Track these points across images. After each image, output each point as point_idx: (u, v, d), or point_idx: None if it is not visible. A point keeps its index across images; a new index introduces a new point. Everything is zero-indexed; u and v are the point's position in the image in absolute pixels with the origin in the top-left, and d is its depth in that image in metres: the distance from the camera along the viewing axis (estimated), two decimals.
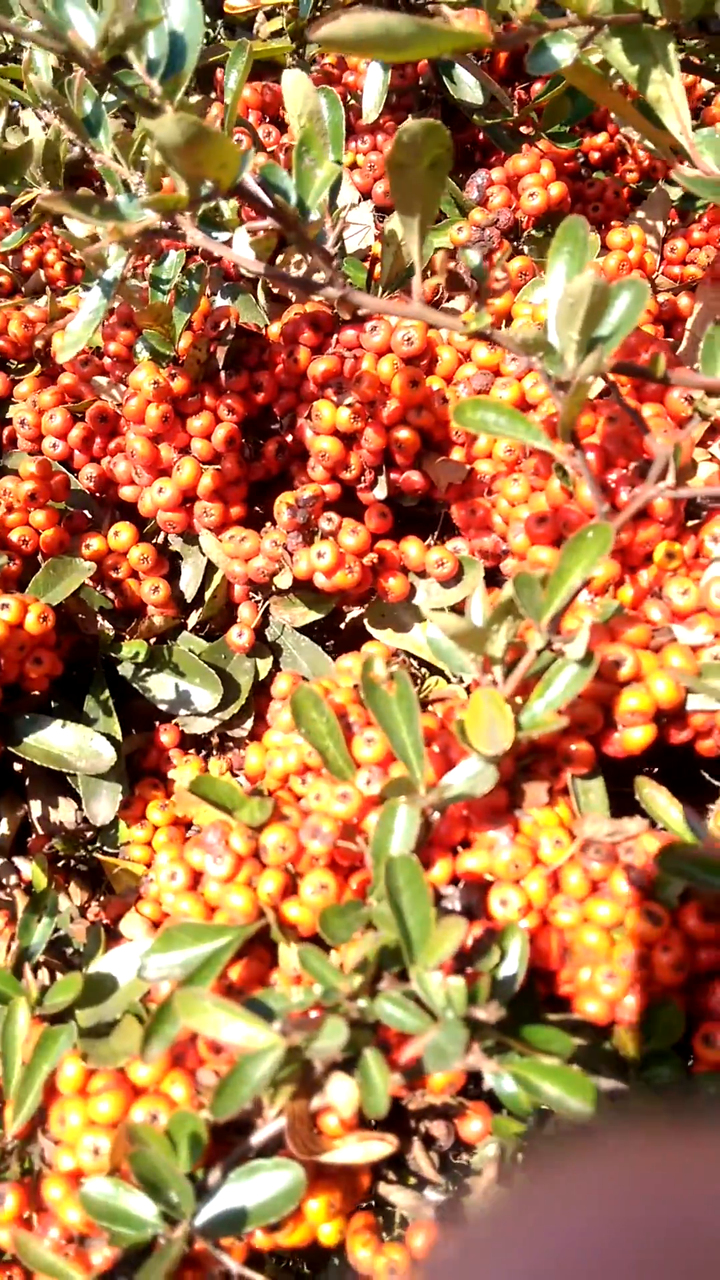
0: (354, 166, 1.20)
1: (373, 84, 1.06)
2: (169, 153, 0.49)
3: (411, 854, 0.60)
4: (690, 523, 0.84)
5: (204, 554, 1.00)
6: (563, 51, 0.58)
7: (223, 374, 0.95)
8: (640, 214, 1.28)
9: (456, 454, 0.95)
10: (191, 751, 1.05)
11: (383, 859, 0.63)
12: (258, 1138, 0.64)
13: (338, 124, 0.85)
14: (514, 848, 0.70)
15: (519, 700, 0.71)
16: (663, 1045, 0.67)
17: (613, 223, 1.26)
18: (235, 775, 1.03)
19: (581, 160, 1.35)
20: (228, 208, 0.74)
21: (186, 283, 0.90)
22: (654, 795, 0.78)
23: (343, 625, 1.09)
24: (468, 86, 1.12)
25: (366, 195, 1.20)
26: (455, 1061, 0.52)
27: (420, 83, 1.23)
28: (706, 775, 0.90)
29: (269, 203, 0.59)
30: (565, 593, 0.65)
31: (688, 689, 0.76)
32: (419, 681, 1.01)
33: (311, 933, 0.69)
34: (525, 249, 1.09)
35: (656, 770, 0.88)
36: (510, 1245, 0.26)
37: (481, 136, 1.26)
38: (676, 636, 0.78)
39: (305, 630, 1.05)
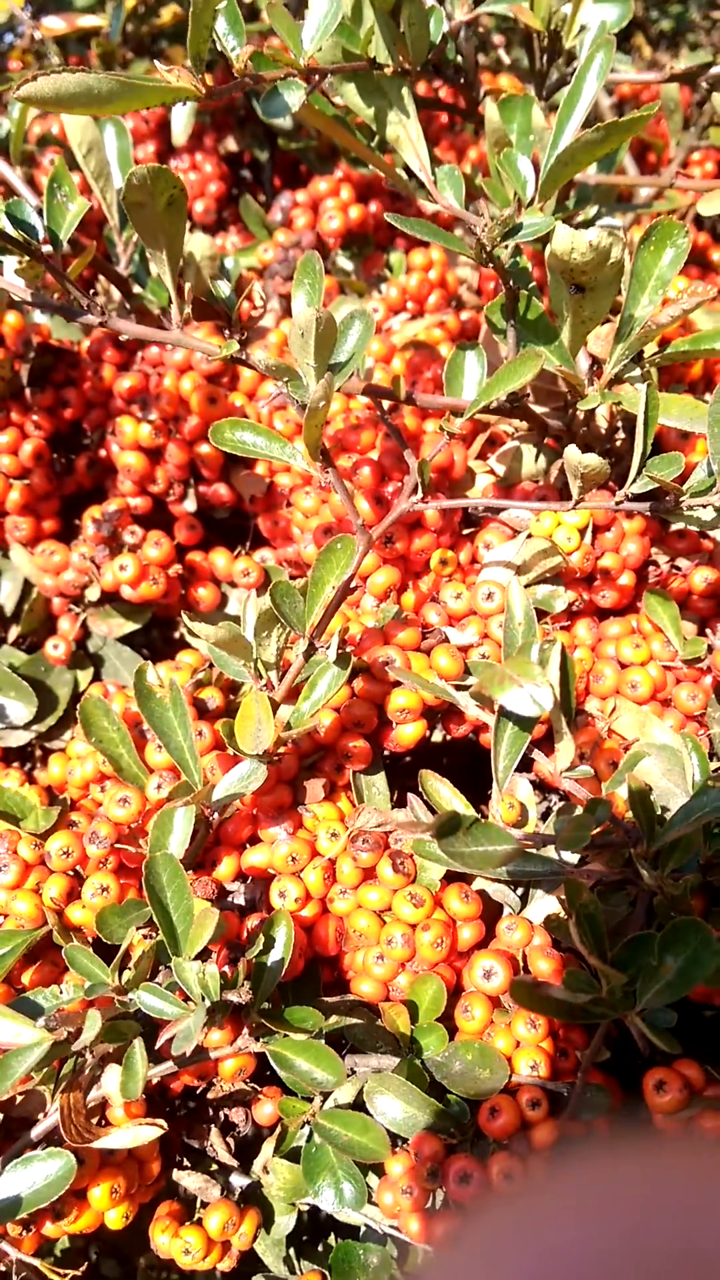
0: None
1: (179, 108, 1.09)
2: None
3: (171, 854, 0.63)
4: (467, 530, 0.89)
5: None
6: (293, 97, 0.63)
7: (27, 391, 0.96)
8: (459, 233, 1.34)
9: (260, 467, 0.99)
10: (15, 764, 1.06)
11: None
12: (37, 1130, 0.66)
13: (125, 152, 0.87)
14: (292, 842, 0.75)
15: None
16: (429, 1020, 0.72)
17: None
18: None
19: None
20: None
21: None
22: (437, 787, 0.83)
23: (178, 635, 1.12)
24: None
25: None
26: (196, 1042, 0.55)
27: (238, 104, 1.27)
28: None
29: (16, 236, 0.62)
30: (322, 600, 0.69)
31: (456, 686, 0.81)
32: (236, 689, 1.04)
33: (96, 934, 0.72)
34: (330, 269, 1.13)
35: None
36: (498, 1253, 0.27)
37: None
38: (448, 638, 0.83)
39: (129, 640, 1.08)
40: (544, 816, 0.90)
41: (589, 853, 0.62)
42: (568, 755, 0.58)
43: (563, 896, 0.74)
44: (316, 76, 0.62)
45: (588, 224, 0.94)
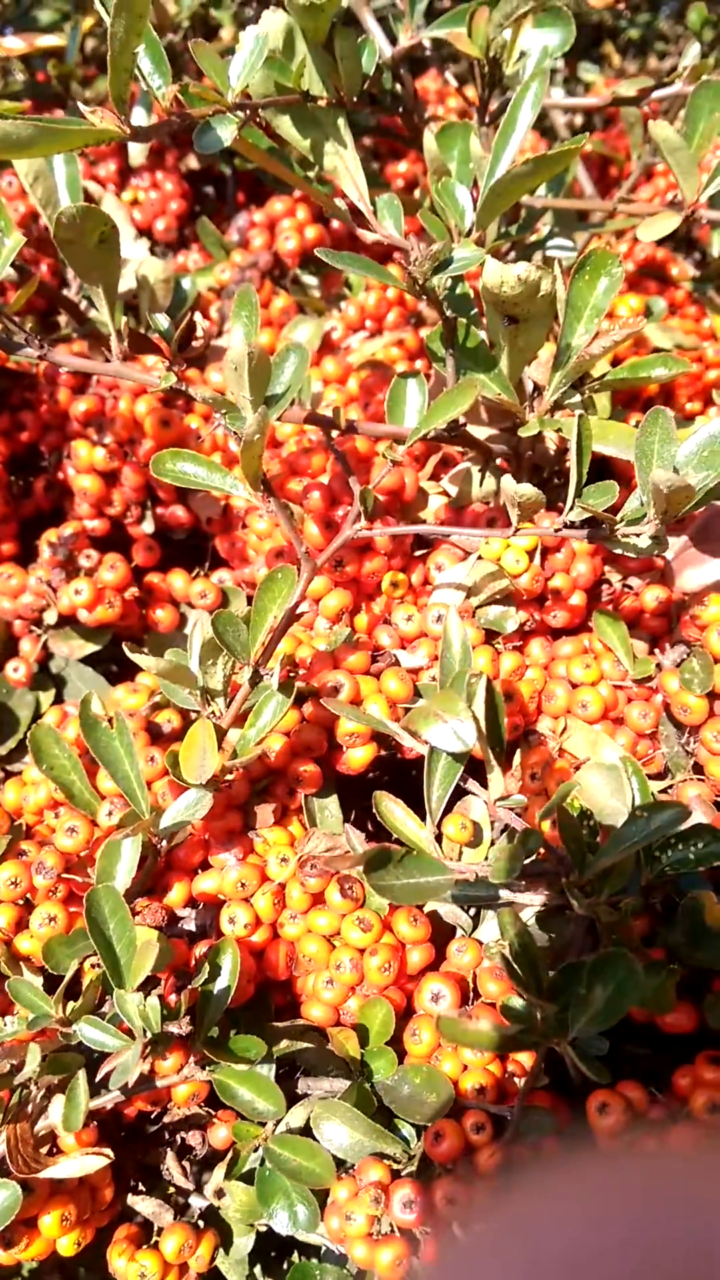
0: (135, 203, 1.24)
1: None
2: None
3: (113, 886, 0.64)
4: (420, 552, 0.90)
5: None
6: (225, 132, 0.63)
7: None
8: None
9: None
10: None
11: None
12: None
13: (73, 178, 0.88)
14: (241, 867, 0.75)
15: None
16: (379, 1043, 0.72)
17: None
18: None
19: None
20: None
21: None
22: (390, 808, 0.83)
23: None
24: None
25: (147, 232, 1.23)
26: (135, 1075, 0.56)
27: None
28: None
29: None
30: (265, 629, 0.69)
31: (406, 709, 0.82)
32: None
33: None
34: (289, 288, 1.13)
35: None
36: (506, 1247, 0.26)
37: None
38: (399, 660, 0.83)
39: (92, 660, 1.08)
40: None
41: (525, 881, 0.62)
42: (499, 786, 0.59)
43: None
44: (248, 111, 0.62)
45: (539, 245, 0.95)
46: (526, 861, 0.59)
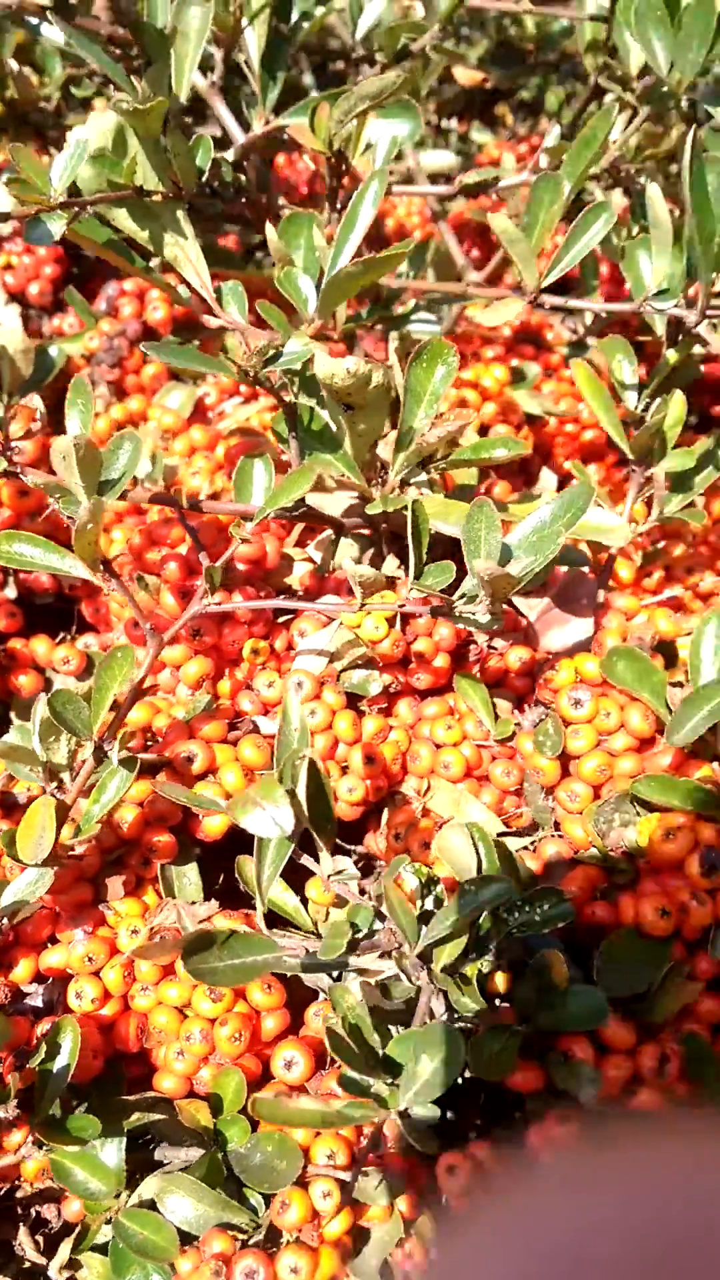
0: (8, 267, 1.24)
1: None
2: None
3: None
4: (284, 618, 0.92)
5: None
6: (55, 227, 0.65)
7: None
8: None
9: None
10: None
11: None
12: None
13: None
14: (89, 941, 0.75)
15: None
16: (232, 1112, 0.73)
17: None
18: None
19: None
20: None
21: None
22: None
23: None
24: None
25: (20, 296, 1.23)
26: None
27: None
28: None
29: None
30: (106, 706, 0.70)
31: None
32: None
33: None
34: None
35: None
36: (501, 1245, 0.26)
37: None
38: (258, 727, 0.85)
39: None
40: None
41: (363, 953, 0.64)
42: (328, 865, 0.60)
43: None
44: (76, 208, 0.64)
45: (404, 320, 0.98)
46: (359, 936, 0.61)
